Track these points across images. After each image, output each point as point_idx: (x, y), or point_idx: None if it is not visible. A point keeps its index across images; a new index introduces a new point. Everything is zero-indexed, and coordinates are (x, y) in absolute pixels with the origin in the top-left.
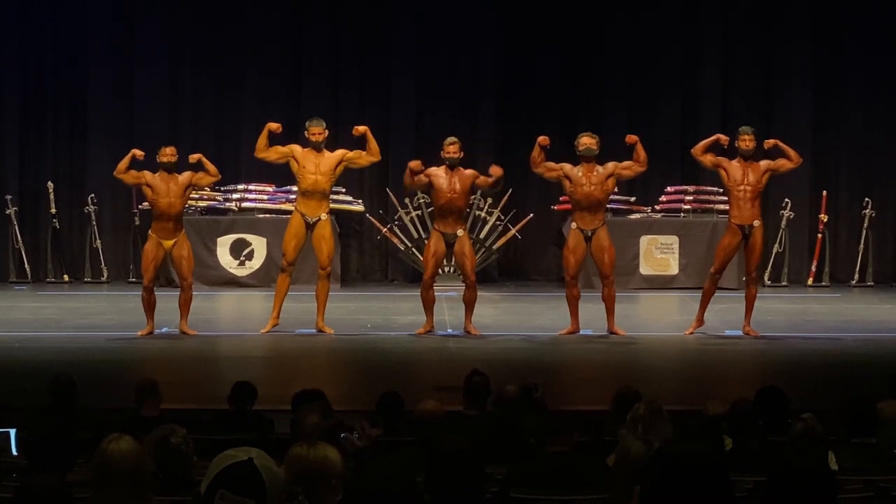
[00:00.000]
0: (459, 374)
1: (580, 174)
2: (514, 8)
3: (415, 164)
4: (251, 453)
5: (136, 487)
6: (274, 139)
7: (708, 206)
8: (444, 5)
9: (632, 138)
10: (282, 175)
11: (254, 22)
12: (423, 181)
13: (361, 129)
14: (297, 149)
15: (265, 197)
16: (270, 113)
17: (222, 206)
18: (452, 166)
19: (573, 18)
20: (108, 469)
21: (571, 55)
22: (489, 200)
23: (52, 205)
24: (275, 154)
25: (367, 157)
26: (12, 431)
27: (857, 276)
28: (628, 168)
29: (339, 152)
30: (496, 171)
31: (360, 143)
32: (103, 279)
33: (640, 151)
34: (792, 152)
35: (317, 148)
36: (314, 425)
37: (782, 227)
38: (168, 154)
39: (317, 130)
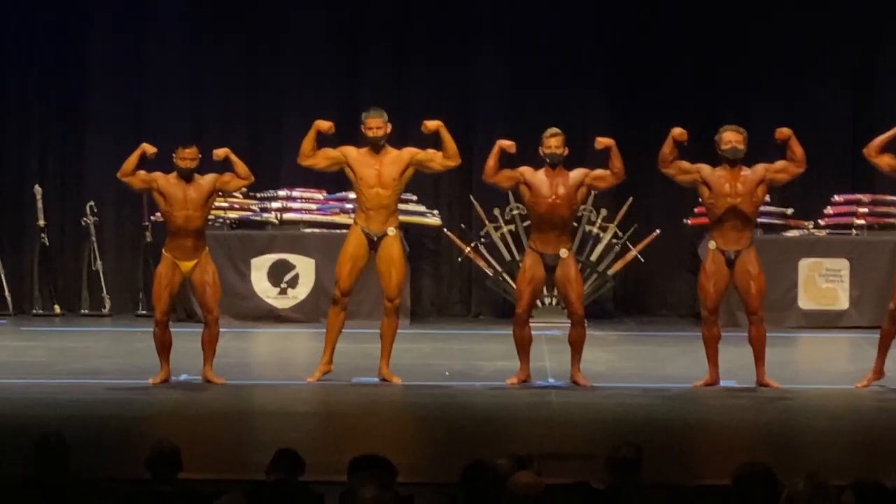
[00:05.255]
0: (564, 438)
1: (722, 179)
2: None
3: (507, 142)
4: None
5: None
6: (325, 140)
7: (887, 220)
8: None
9: (784, 133)
10: (334, 178)
11: None
12: (511, 178)
13: (433, 124)
14: (351, 153)
15: (313, 206)
16: (317, 99)
17: (258, 218)
18: (554, 165)
19: None
20: None
21: (711, 29)
22: (602, 212)
23: (41, 215)
24: (324, 160)
25: (441, 159)
26: None
27: None
28: (783, 171)
29: (407, 153)
30: (602, 142)
31: (434, 141)
32: (105, 311)
33: (796, 147)
34: None
35: (376, 147)
36: (370, 500)
37: None
38: (188, 157)
39: (375, 124)
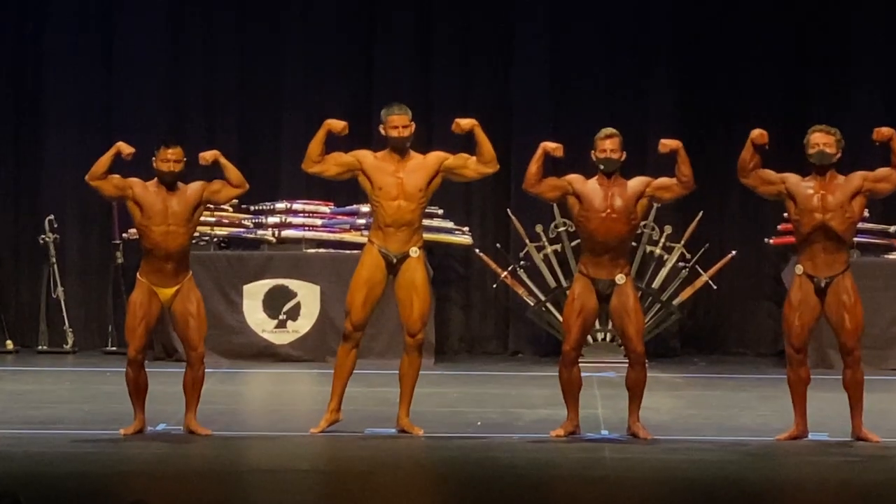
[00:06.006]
0: (620, 501)
1: (809, 191)
2: None
3: (552, 145)
4: None
5: None
6: (335, 143)
7: None
8: None
9: (884, 133)
10: (344, 189)
11: None
12: (557, 187)
13: (466, 123)
14: (367, 158)
15: (318, 222)
16: (324, 92)
17: (252, 236)
18: (609, 172)
19: None
20: None
21: (798, 6)
22: (667, 229)
23: None
24: (334, 166)
25: (476, 165)
26: None
27: None
28: (885, 180)
29: (435, 158)
30: (667, 144)
31: (465, 143)
32: (67, 348)
33: None
34: None
35: (399, 150)
36: None
37: None
38: (171, 159)
39: (401, 122)
